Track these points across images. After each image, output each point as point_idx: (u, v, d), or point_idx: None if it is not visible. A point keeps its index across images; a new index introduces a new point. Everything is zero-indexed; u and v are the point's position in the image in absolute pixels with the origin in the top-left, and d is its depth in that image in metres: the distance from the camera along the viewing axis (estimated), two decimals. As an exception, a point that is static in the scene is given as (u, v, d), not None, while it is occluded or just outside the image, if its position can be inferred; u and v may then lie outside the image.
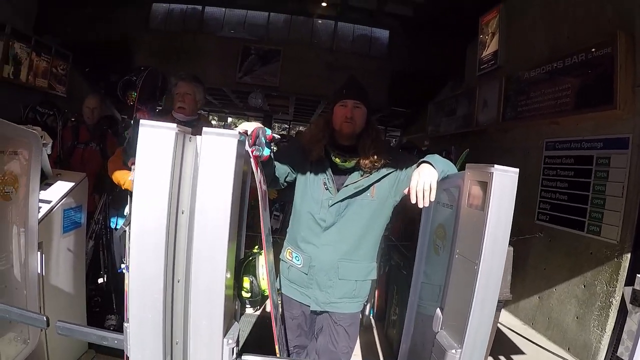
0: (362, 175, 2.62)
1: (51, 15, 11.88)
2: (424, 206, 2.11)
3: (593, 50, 5.61)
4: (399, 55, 15.22)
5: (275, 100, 17.09)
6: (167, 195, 1.49)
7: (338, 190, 2.64)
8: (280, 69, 14.61)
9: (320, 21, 15.72)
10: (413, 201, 2.12)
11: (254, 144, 2.03)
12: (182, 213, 1.60)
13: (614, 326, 4.94)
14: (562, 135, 6.28)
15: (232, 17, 15.44)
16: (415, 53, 14.64)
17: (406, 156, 2.86)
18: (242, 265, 2.49)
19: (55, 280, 3.22)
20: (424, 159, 2.27)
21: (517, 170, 1.82)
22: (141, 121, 1.47)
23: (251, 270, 2.61)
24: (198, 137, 1.57)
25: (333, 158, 2.66)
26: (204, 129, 1.53)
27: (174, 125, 1.47)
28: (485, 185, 1.82)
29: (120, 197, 4.25)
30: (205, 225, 1.55)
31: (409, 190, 2.15)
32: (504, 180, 1.79)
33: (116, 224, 4.33)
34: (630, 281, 4.76)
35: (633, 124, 5.09)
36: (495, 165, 1.79)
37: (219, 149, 1.53)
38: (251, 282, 2.54)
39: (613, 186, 5.26)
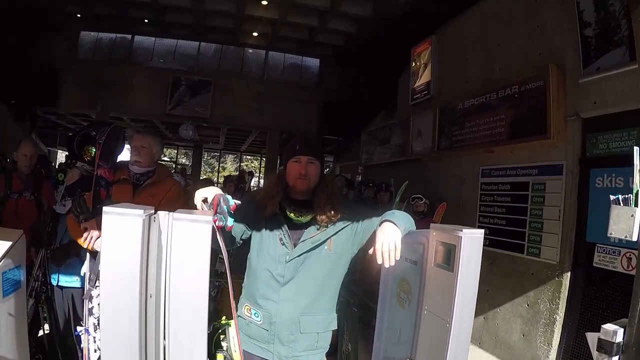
0: (318, 230, 2.56)
1: None
2: (389, 265, 2.12)
3: (526, 83, 5.83)
4: (329, 84, 15.43)
5: (206, 131, 16.94)
6: (137, 282, 1.46)
7: (295, 245, 2.57)
8: (211, 99, 14.52)
9: (250, 51, 15.74)
10: (379, 262, 2.13)
11: (216, 213, 1.99)
12: (150, 297, 1.56)
13: (559, 341, 5.10)
14: (497, 163, 6.46)
15: (162, 46, 15.22)
16: (346, 82, 14.88)
17: (361, 208, 2.88)
18: (212, 341, 2.44)
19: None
20: (386, 217, 2.30)
21: (483, 231, 1.96)
22: (105, 209, 1.47)
23: (222, 343, 2.56)
24: (161, 214, 1.58)
25: (288, 213, 2.60)
26: (175, 214, 1.55)
27: (140, 211, 1.46)
28: (451, 247, 1.90)
29: (60, 252, 4.02)
30: (182, 312, 1.55)
31: (374, 251, 2.16)
32: (472, 243, 1.88)
33: (57, 281, 4.10)
34: (571, 298, 5.02)
35: (565, 151, 5.28)
36: (464, 229, 1.87)
37: (192, 237, 1.53)
38: (225, 358, 2.49)
39: (550, 210, 5.43)
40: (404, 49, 10.31)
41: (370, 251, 2.22)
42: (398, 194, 6.38)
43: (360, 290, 4.75)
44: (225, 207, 2.01)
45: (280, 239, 2.57)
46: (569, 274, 5.09)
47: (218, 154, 24.50)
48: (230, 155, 23.69)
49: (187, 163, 24.11)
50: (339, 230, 2.58)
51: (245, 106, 14.51)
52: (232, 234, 2.51)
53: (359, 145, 12.37)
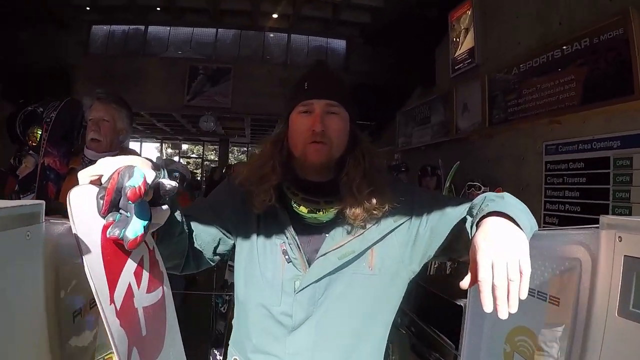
0: (350, 233, 1.46)
1: None
2: (509, 313, 1.01)
3: (599, 33, 4.85)
4: (358, 65, 14.59)
5: (230, 123, 16.26)
6: None
7: (310, 263, 1.47)
8: (232, 88, 13.83)
9: (272, 35, 15.05)
10: (488, 308, 1.00)
11: (110, 210, 0.92)
12: None
13: None
14: (566, 136, 5.49)
15: (178, 36, 14.71)
16: (376, 62, 14.09)
17: (423, 192, 1.71)
18: None
19: None
20: (490, 205, 1.21)
21: None
22: None
23: None
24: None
25: (295, 207, 1.49)
26: None
27: None
28: None
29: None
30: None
31: (472, 281, 1.08)
32: None
33: None
34: None
35: None
36: None
37: None
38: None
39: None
40: (438, 19, 9.48)
41: (463, 283, 1.11)
42: (448, 178, 5.30)
43: (414, 306, 3.69)
44: (129, 194, 0.89)
45: (284, 252, 1.49)
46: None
47: (246, 149, 23.79)
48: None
49: (215, 159, 23.53)
50: (388, 233, 1.48)
51: (269, 93, 13.62)
52: (196, 246, 1.50)
53: (394, 129, 11.53)
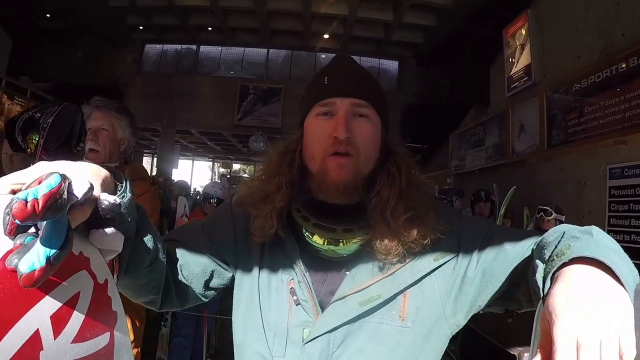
0: (379, 271, 1.11)
1: (32, 57, 11.63)
2: None
3: None
4: (410, 86, 14.44)
5: (280, 143, 16.29)
6: None
7: (323, 307, 1.12)
8: (282, 108, 13.84)
9: (323, 55, 14.99)
10: None
11: (20, 231, 0.63)
12: None
13: None
14: (632, 158, 5.09)
15: (229, 55, 14.94)
16: (429, 82, 13.93)
17: (472, 220, 1.29)
18: None
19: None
20: (567, 246, 0.81)
21: None
22: None
23: None
24: None
25: (307, 236, 1.14)
26: None
27: None
28: None
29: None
30: None
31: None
32: None
33: None
34: None
35: None
36: None
37: None
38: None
39: None
40: (492, 37, 9.30)
41: None
42: (503, 203, 4.90)
43: (459, 347, 3.29)
44: (13, 213, 0.57)
45: (292, 292, 1.14)
46: None
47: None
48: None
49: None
50: (427, 274, 1.11)
51: (319, 114, 13.70)
52: (182, 278, 1.18)
53: (447, 152, 11.19)
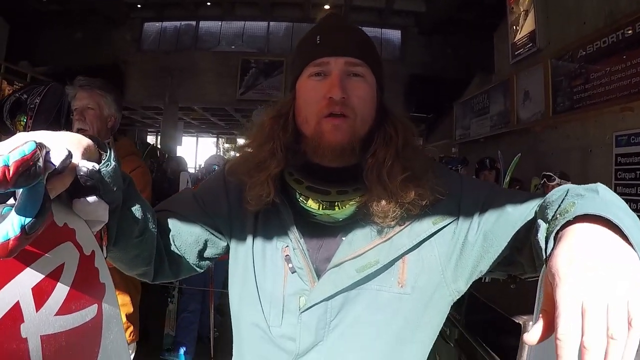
0: (375, 235, 1.09)
1: (30, 41, 11.68)
2: None
3: None
4: (413, 56, 14.37)
5: (283, 116, 16.32)
6: None
7: (319, 274, 1.11)
8: (284, 81, 13.63)
9: (324, 26, 14.90)
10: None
11: None
12: None
13: None
14: (638, 126, 5.08)
15: (229, 29, 14.87)
16: (432, 51, 13.85)
17: (472, 181, 1.27)
18: None
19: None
20: (572, 204, 0.77)
21: None
22: None
23: None
24: None
25: (302, 201, 1.12)
26: None
27: None
28: None
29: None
30: None
31: (543, 333, 0.64)
32: None
33: None
34: None
35: None
36: None
37: None
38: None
39: None
40: (495, 4, 9.18)
41: (529, 337, 0.67)
42: (508, 171, 4.90)
43: (464, 316, 3.30)
44: (26, 180, 0.58)
45: (287, 260, 1.13)
46: None
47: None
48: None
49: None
50: (426, 239, 1.09)
51: (322, 85, 13.73)
52: (174, 249, 1.16)
53: (451, 121, 11.17)
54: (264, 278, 1.14)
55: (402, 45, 14.86)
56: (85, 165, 0.72)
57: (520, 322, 2.43)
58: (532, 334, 0.66)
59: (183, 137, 16.48)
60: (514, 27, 8.18)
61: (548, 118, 6.72)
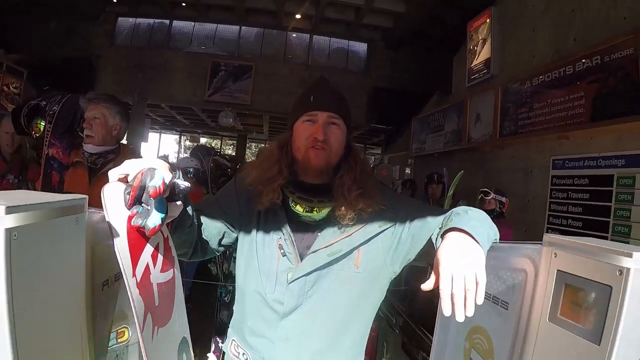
0: (340, 233, 1.65)
1: (6, 30, 11.60)
2: (464, 317, 1.18)
3: (611, 52, 4.89)
4: (378, 69, 14.60)
5: (248, 119, 16.47)
6: None
7: (302, 258, 1.65)
8: (252, 85, 13.93)
9: (294, 34, 15.06)
10: (447, 312, 1.18)
11: (135, 203, 1.13)
12: None
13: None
14: (573, 152, 5.56)
15: (202, 31, 14.81)
16: (396, 66, 14.12)
17: (409, 201, 1.87)
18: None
19: None
20: (452, 220, 1.37)
21: None
22: None
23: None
24: None
25: (292, 206, 1.69)
26: None
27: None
28: (599, 290, 0.99)
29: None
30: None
31: (438, 291, 1.22)
32: None
33: None
34: None
35: None
36: (634, 254, 0.91)
37: None
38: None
39: (640, 211, 4.49)
40: (458, 27, 9.62)
41: (425, 286, 1.29)
42: (451, 187, 5.40)
43: (407, 308, 3.83)
44: (151, 193, 1.12)
45: (280, 246, 1.67)
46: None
47: (264, 145, 24.01)
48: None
49: (232, 154, 23.85)
50: (374, 236, 1.65)
51: (289, 92, 13.57)
52: (204, 236, 1.66)
53: (409, 135, 11.58)
54: (264, 259, 1.68)
55: (367, 57, 15.03)
56: (183, 184, 1.24)
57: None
58: (426, 284, 1.27)
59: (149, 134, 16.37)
60: (472, 52, 8.58)
61: (495, 139, 7.13)
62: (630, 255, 0.91)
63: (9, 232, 0.75)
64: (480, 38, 8.36)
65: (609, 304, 0.94)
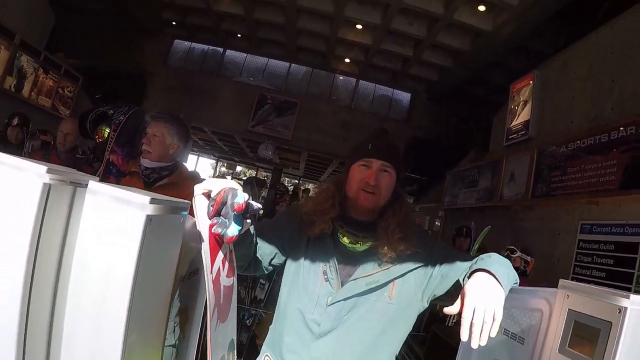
0: (379, 266, 1.84)
1: (69, 34, 11.92)
2: (479, 344, 1.38)
3: None
4: (419, 119, 14.91)
5: (287, 154, 16.68)
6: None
7: (343, 284, 1.85)
8: (295, 122, 14.30)
9: (341, 77, 15.46)
10: (464, 337, 1.37)
11: (217, 215, 1.37)
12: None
13: None
14: (601, 218, 5.58)
15: (252, 63, 15.26)
16: (436, 119, 14.40)
17: (443, 245, 2.07)
18: None
19: None
20: (479, 263, 1.57)
21: None
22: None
23: None
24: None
25: (340, 237, 1.91)
26: (90, 184, 1.00)
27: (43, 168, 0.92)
28: (601, 325, 1.21)
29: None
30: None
31: (459, 321, 1.41)
32: None
33: None
34: None
35: None
36: (631, 296, 1.16)
37: (116, 230, 0.97)
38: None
39: (662, 279, 4.51)
40: (501, 87, 9.86)
41: (448, 309, 1.50)
42: (477, 240, 5.53)
43: (424, 350, 3.96)
44: (230, 208, 1.36)
45: (324, 272, 1.87)
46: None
47: (297, 181, 24.14)
48: (310, 184, 23.35)
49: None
50: (408, 272, 1.86)
51: (330, 133, 14.11)
52: (258, 254, 1.86)
53: (443, 187, 11.60)
54: (308, 282, 1.89)
55: (410, 107, 15.31)
56: (256, 205, 1.44)
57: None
58: (449, 309, 1.48)
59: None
60: (513, 112, 8.68)
61: (527, 199, 7.19)
62: (628, 297, 1.14)
63: (149, 218, 0.95)
64: (521, 99, 8.46)
65: (608, 337, 1.15)
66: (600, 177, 5.57)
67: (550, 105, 7.69)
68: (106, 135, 3.44)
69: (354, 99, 15.37)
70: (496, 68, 11.17)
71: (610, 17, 6.42)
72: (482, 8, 9.87)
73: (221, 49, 15.12)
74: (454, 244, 6.74)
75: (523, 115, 8.32)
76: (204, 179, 1.53)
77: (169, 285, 1.21)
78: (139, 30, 13.75)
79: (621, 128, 5.35)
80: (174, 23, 13.96)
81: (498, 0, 9.33)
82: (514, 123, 8.61)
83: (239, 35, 14.15)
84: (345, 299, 1.81)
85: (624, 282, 4.96)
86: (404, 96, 15.47)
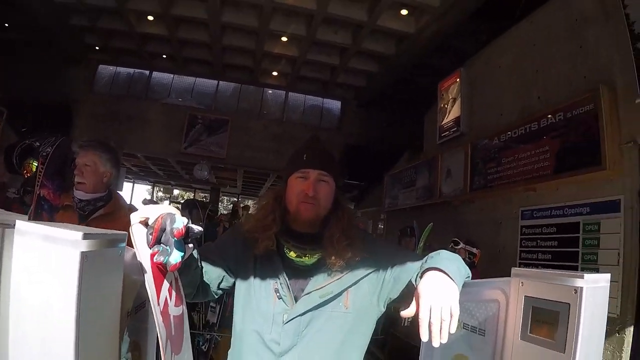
0: (330, 277, 1.82)
1: None
2: (440, 343, 1.38)
3: (572, 108, 5.22)
4: (351, 126, 15.07)
5: (223, 173, 16.51)
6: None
7: (296, 300, 1.82)
8: (228, 140, 14.19)
9: (270, 91, 15.45)
10: (424, 337, 1.38)
11: (157, 243, 1.30)
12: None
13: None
14: (540, 203, 5.79)
15: (180, 83, 15.06)
16: (368, 124, 14.55)
17: (391, 247, 2.12)
18: None
19: None
20: (429, 262, 1.57)
21: (608, 276, 1.29)
22: None
23: None
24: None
25: (287, 252, 1.87)
26: (17, 224, 0.94)
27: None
28: (559, 308, 1.24)
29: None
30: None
31: (415, 321, 1.42)
32: (597, 299, 1.22)
33: None
34: (635, 357, 4.22)
35: (622, 185, 4.63)
36: (585, 275, 1.18)
37: (46, 270, 0.91)
38: None
39: (606, 254, 4.71)
40: (429, 87, 9.95)
41: (405, 313, 1.49)
42: (421, 238, 5.63)
43: (384, 354, 3.99)
44: (170, 235, 1.30)
45: (276, 289, 1.83)
46: (632, 328, 4.32)
47: (236, 199, 23.91)
48: (250, 201, 23.22)
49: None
50: (360, 279, 1.84)
51: (262, 148, 14.09)
52: (205, 279, 1.80)
53: (382, 190, 11.75)
54: (260, 302, 1.83)
55: (341, 115, 15.48)
56: (197, 228, 1.38)
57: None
58: (406, 312, 1.46)
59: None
60: (443, 111, 8.87)
61: (466, 194, 7.37)
62: (582, 277, 1.16)
63: (84, 255, 0.89)
64: (450, 97, 8.66)
65: (568, 318, 1.17)
66: (534, 164, 5.76)
67: (479, 100, 7.91)
68: (34, 169, 3.26)
69: (284, 111, 15.39)
70: (422, 69, 11.39)
71: (529, 12, 6.67)
72: (404, 12, 10.10)
73: (147, 72, 14.87)
74: (399, 244, 6.83)
75: (453, 113, 8.52)
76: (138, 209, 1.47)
77: (115, 322, 1.14)
78: (62, 57, 13.38)
79: (549, 115, 5.55)
80: (97, 48, 13.64)
81: (419, 2, 9.54)
82: (445, 121, 8.80)
83: (165, 56, 13.97)
84: (301, 315, 1.78)
85: (569, 261, 5.14)
86: (335, 105, 15.65)
